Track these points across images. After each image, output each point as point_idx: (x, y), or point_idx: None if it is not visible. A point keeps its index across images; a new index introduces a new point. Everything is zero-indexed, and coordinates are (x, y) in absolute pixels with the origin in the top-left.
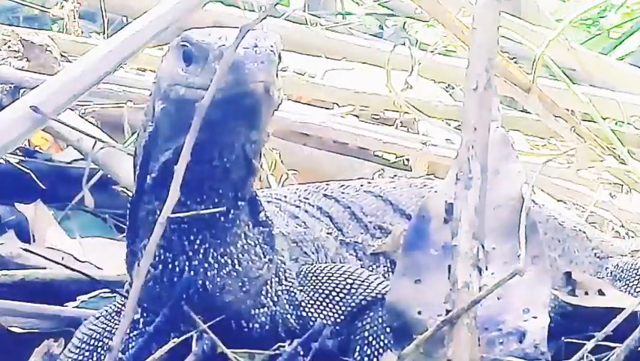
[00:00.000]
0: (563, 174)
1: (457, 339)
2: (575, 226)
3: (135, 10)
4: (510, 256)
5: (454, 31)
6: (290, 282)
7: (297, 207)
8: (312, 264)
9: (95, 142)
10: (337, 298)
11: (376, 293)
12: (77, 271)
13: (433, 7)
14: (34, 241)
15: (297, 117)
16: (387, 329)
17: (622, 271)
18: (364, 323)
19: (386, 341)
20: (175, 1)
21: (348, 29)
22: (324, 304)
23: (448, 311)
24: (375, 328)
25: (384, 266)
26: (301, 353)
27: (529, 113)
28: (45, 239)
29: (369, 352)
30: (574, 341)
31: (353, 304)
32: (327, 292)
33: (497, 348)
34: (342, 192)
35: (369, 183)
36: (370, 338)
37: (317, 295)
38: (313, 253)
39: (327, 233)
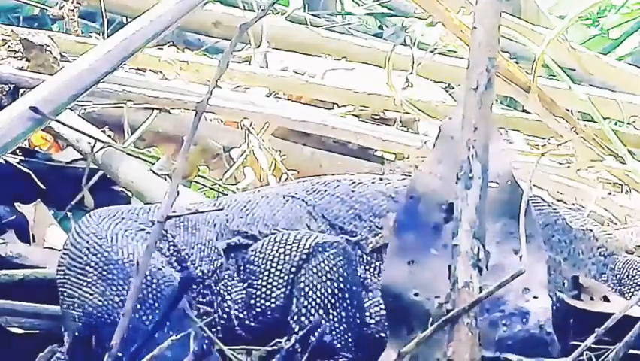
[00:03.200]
0: (563, 174)
1: (457, 339)
2: (582, 225)
3: (135, 10)
4: (502, 234)
5: (454, 31)
6: (233, 290)
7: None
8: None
9: (95, 142)
10: (277, 272)
11: (308, 249)
12: None
13: (433, 6)
14: (34, 241)
15: (297, 117)
16: (323, 278)
17: (628, 276)
18: (300, 277)
19: (323, 291)
20: (175, 1)
21: (348, 29)
22: (268, 283)
23: (448, 311)
24: (310, 278)
25: None
26: (299, 349)
27: (529, 113)
28: (45, 239)
29: (306, 303)
30: (574, 342)
31: (290, 267)
32: (266, 272)
33: (501, 329)
34: (352, 191)
35: (380, 180)
36: (307, 289)
37: (259, 281)
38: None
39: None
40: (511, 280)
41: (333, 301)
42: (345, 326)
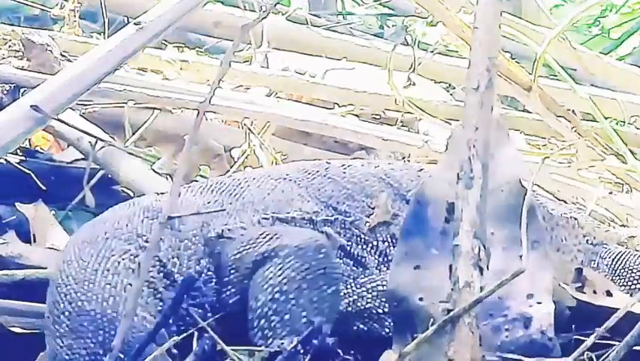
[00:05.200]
0: (564, 173)
1: (458, 338)
2: (565, 213)
3: (135, 10)
4: (509, 241)
5: (454, 30)
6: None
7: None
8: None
9: (96, 141)
10: (235, 272)
11: (274, 247)
12: None
13: (434, 6)
14: (34, 241)
15: (298, 117)
16: (286, 274)
17: (624, 268)
18: (265, 274)
19: (286, 288)
20: (175, 1)
21: (349, 29)
22: (230, 282)
23: (449, 311)
24: (275, 277)
25: (383, 241)
26: (301, 351)
27: (529, 112)
28: (46, 239)
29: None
30: (576, 337)
31: (251, 261)
32: (232, 271)
33: (503, 335)
34: (343, 172)
35: (369, 164)
36: (270, 288)
37: (225, 278)
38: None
39: (299, 214)
40: (511, 279)
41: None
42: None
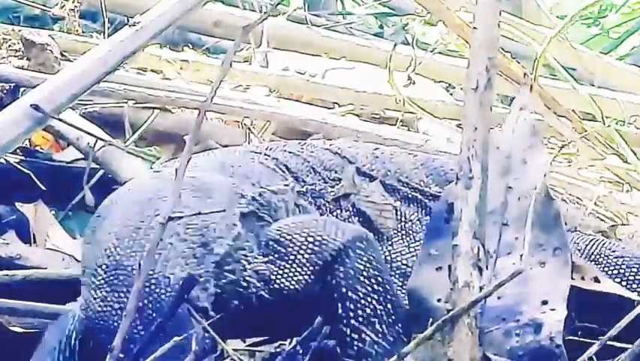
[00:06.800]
0: (565, 172)
1: (457, 339)
2: None
3: (135, 10)
4: (532, 246)
5: (454, 30)
6: (253, 261)
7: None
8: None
9: (96, 141)
10: (304, 260)
11: (340, 244)
12: None
13: (434, 5)
14: (34, 241)
15: (297, 116)
16: (361, 278)
17: (600, 255)
18: (338, 278)
19: (364, 291)
20: (175, 1)
21: (349, 29)
22: (293, 269)
23: (448, 311)
24: (350, 280)
25: (346, 211)
26: (300, 351)
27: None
28: (46, 239)
29: (352, 306)
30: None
31: (320, 261)
32: (292, 256)
33: (513, 339)
34: (301, 149)
35: (324, 143)
36: (348, 292)
37: (283, 263)
38: (272, 214)
39: (285, 185)
40: (509, 280)
41: (377, 297)
42: (392, 316)
